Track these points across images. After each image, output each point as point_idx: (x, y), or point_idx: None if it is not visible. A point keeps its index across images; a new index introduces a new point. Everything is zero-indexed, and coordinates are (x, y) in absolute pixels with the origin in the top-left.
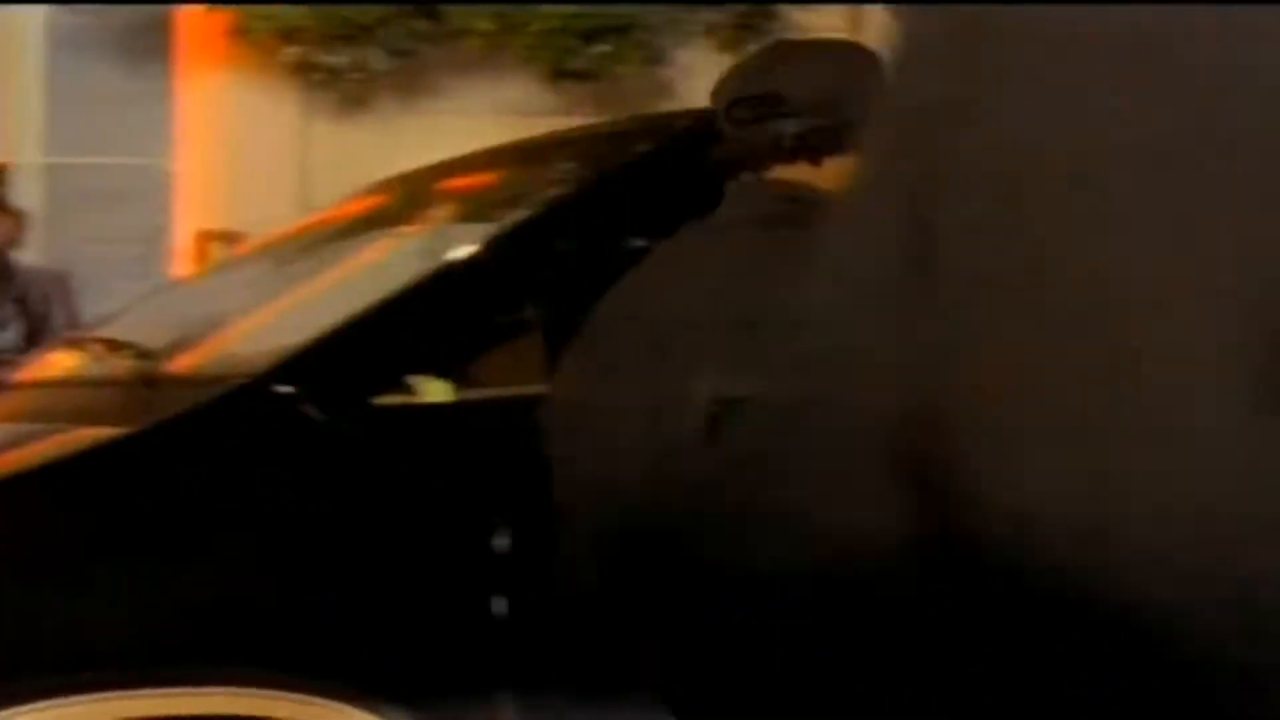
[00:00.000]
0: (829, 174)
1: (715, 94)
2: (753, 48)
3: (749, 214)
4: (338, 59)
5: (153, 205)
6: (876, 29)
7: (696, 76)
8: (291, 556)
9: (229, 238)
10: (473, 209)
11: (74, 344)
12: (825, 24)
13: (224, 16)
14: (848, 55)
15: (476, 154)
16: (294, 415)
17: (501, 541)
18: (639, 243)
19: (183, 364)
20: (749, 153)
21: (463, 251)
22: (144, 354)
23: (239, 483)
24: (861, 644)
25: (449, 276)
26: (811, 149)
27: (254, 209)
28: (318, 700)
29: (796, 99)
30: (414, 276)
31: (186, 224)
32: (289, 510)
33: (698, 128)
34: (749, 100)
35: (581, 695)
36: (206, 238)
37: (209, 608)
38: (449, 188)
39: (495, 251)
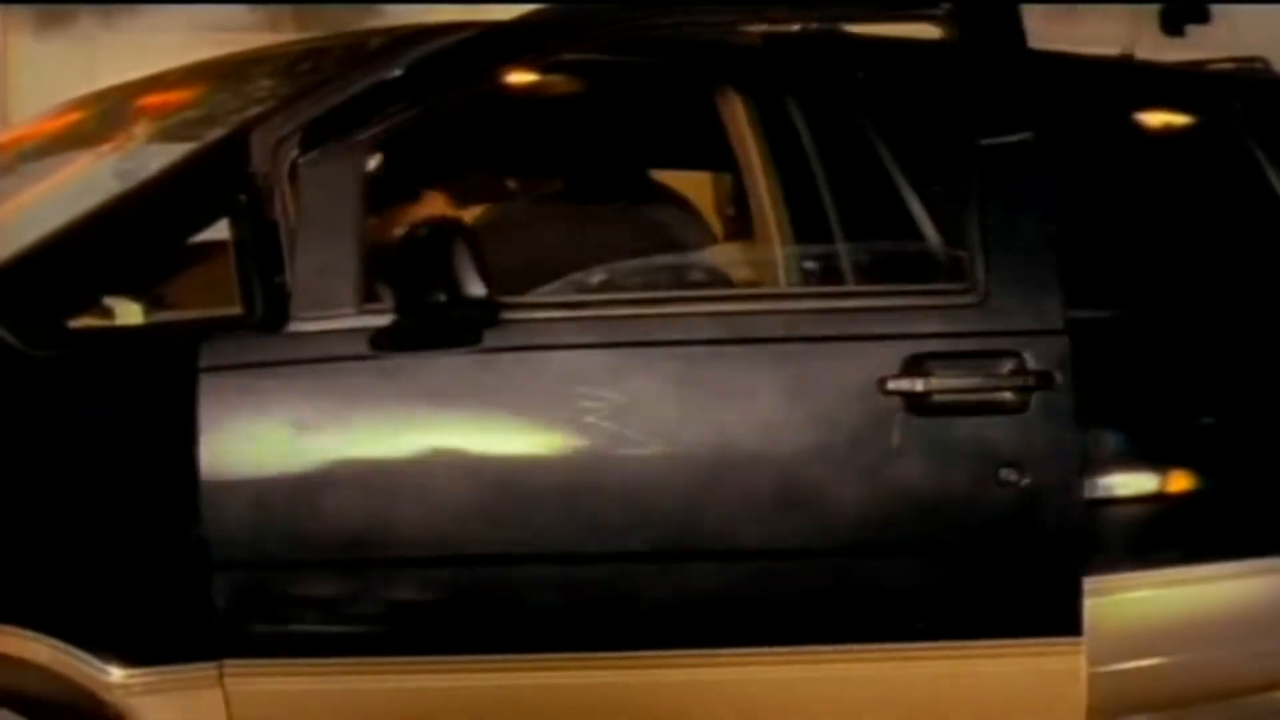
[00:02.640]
0: None
1: None
2: None
3: None
4: None
5: None
6: None
7: None
8: None
9: None
10: (170, 127)
11: None
12: None
13: None
14: None
15: (174, 71)
16: None
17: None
18: None
19: None
20: None
21: (160, 170)
22: None
23: None
24: None
25: (145, 196)
26: None
27: None
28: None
29: None
30: (110, 195)
31: None
32: None
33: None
34: None
35: None
36: None
37: None
38: (147, 105)
39: (192, 171)
